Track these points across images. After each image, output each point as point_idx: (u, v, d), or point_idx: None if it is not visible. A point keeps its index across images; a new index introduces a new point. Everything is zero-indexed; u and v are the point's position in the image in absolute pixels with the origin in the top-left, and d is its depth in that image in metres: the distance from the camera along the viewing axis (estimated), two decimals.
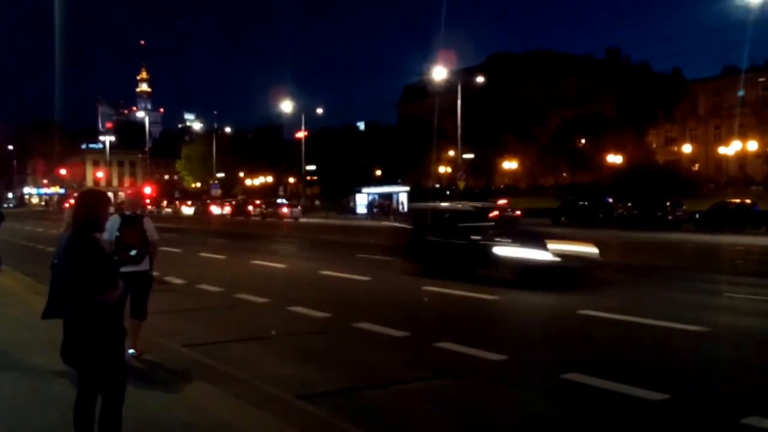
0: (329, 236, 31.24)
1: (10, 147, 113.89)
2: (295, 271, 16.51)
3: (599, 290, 13.33)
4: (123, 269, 6.47)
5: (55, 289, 3.97)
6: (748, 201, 35.62)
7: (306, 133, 69.46)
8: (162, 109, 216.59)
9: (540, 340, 8.44)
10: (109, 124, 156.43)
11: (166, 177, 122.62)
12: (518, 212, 39.56)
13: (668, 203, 37.03)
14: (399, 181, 67.95)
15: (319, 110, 73.46)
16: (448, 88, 55.03)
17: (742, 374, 6.93)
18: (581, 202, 41.38)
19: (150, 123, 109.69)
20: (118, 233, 6.83)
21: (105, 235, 6.40)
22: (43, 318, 4.04)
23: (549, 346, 8.13)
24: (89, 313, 3.75)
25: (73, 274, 3.74)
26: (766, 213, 32.99)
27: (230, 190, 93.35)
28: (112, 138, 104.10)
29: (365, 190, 63.29)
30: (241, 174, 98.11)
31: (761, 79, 65.13)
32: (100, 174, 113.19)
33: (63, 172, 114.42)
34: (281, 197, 68.97)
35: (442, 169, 74.76)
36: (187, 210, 74.10)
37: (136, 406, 4.81)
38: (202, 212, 68.75)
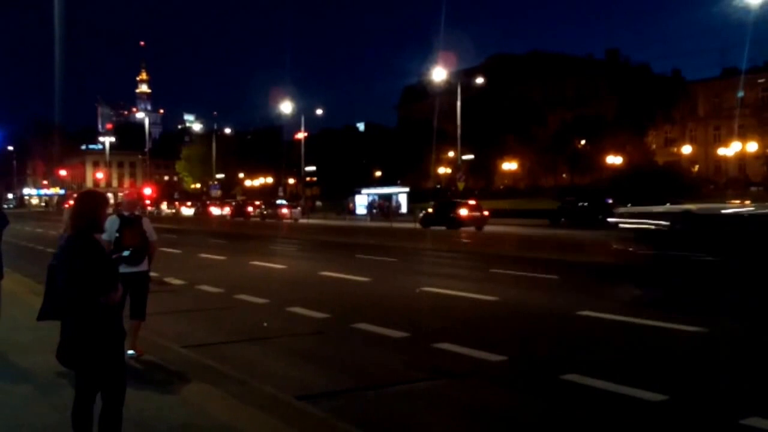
0: (329, 237, 31.25)
1: (10, 148, 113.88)
2: (294, 272, 16.51)
3: (598, 291, 13.34)
4: (122, 270, 6.49)
5: (51, 290, 3.95)
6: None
7: (306, 134, 69.49)
8: (161, 110, 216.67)
9: (539, 341, 8.44)
10: (109, 125, 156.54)
11: (166, 178, 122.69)
12: (486, 212, 39.78)
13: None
14: (399, 182, 67.97)
15: (319, 111, 73.52)
16: (448, 89, 55.07)
17: (741, 375, 6.93)
18: (581, 203, 41.34)
19: (150, 124, 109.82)
20: (117, 234, 6.84)
21: (104, 236, 6.41)
22: (38, 320, 4.03)
23: (548, 346, 8.13)
24: (90, 315, 3.75)
25: (74, 275, 3.74)
26: None
27: (230, 191, 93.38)
28: (112, 139, 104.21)
29: (365, 191, 63.28)
30: (241, 175, 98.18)
31: (761, 81, 65.21)
32: (99, 175, 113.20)
33: (63, 173, 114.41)
34: (281, 198, 68.94)
35: (442, 170, 74.78)
36: (187, 211, 74.06)
37: (135, 406, 4.82)
38: (201, 213, 68.71)
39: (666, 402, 5.75)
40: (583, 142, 67.86)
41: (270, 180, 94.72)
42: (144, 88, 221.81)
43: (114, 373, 3.87)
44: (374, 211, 56.93)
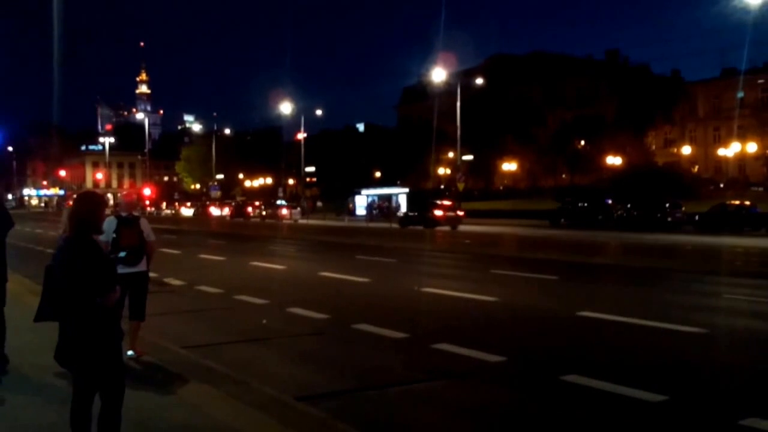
0: (328, 238, 31.26)
1: (10, 148, 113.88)
2: (294, 273, 16.51)
3: (598, 292, 13.35)
4: (121, 270, 6.48)
5: (49, 291, 3.95)
6: (747, 203, 35.65)
7: (305, 134, 69.52)
8: (161, 111, 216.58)
9: (539, 342, 8.44)
10: (108, 126, 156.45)
11: (166, 178, 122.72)
12: (461, 212, 40.36)
13: (668, 205, 37.04)
14: (398, 182, 67.98)
15: (319, 112, 73.78)
16: (448, 89, 55.08)
17: (740, 376, 6.93)
18: (581, 204, 41.40)
19: (149, 124, 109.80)
20: (114, 235, 6.84)
21: (102, 237, 6.41)
22: (35, 321, 4.03)
23: (548, 347, 8.13)
24: (88, 316, 3.75)
25: (72, 276, 3.74)
26: (766, 215, 33.01)
27: (230, 191, 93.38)
28: (112, 139, 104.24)
29: (364, 191, 63.27)
30: (241, 175, 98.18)
31: (760, 81, 65.22)
32: (99, 175, 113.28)
33: (62, 173, 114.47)
34: (281, 199, 68.95)
35: (442, 171, 74.78)
36: (187, 211, 74.12)
37: (135, 407, 4.81)
38: (201, 214, 68.76)
39: (665, 402, 5.75)
40: (582, 142, 67.86)
41: (270, 180, 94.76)
42: (144, 88, 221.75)
43: (112, 373, 3.87)
44: (374, 211, 56.91)
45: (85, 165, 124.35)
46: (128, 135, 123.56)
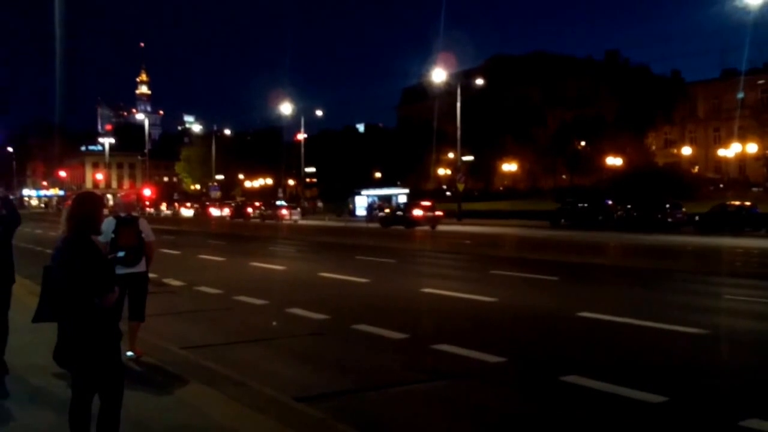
0: (328, 238, 31.25)
1: (10, 149, 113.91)
2: (293, 273, 16.50)
3: (598, 292, 13.34)
4: (121, 271, 6.48)
5: (47, 291, 3.94)
6: (747, 203, 35.64)
7: (305, 135, 69.53)
8: (161, 112, 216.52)
9: (539, 343, 8.43)
10: (108, 126, 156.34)
11: (166, 179, 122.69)
12: (440, 213, 41.29)
13: (668, 205, 37.05)
14: (398, 183, 67.98)
15: (319, 112, 73.65)
16: (448, 90, 55.13)
17: (741, 376, 6.92)
18: (581, 205, 41.38)
19: (149, 125, 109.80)
20: (113, 235, 6.83)
21: (100, 238, 6.40)
22: (33, 322, 4.01)
23: (548, 348, 8.12)
24: (87, 316, 3.75)
25: (71, 277, 3.74)
26: (766, 215, 33.02)
27: (230, 192, 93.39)
28: (112, 140, 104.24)
29: (364, 192, 63.25)
30: (241, 176, 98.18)
31: (760, 82, 65.22)
32: (99, 176, 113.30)
33: (62, 174, 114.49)
34: (280, 199, 68.96)
35: (442, 171, 74.81)
36: (187, 212, 74.16)
37: (134, 408, 4.81)
38: (201, 214, 68.81)
39: (666, 403, 5.74)
40: (582, 143, 67.86)
41: (270, 181, 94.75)
42: (144, 89, 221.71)
43: (111, 374, 3.87)
44: (374, 212, 56.93)
45: (85, 165, 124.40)
46: (128, 135, 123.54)
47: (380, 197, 62.18)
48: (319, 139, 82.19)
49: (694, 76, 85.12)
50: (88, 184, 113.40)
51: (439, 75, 51.29)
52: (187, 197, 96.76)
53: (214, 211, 66.81)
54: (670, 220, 35.78)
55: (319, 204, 74.01)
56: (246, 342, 8.43)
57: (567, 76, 73.09)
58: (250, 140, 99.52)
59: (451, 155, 64.06)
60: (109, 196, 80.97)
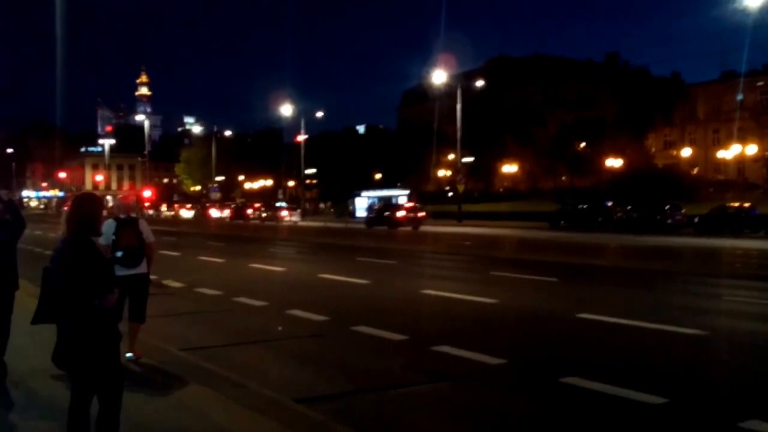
0: (328, 239, 31.25)
1: (10, 150, 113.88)
2: (293, 275, 16.50)
3: (598, 294, 13.34)
4: (122, 272, 6.48)
5: (47, 293, 3.93)
6: (747, 205, 35.66)
7: (306, 136, 69.51)
8: (161, 114, 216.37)
9: (539, 344, 8.43)
10: (108, 128, 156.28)
11: (166, 180, 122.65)
12: (422, 214, 42.74)
13: (667, 207, 37.08)
14: (399, 184, 67.97)
15: (319, 114, 73.56)
16: (448, 91, 55.15)
17: (741, 378, 6.92)
18: (581, 206, 41.43)
19: (150, 126, 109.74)
20: (114, 237, 6.83)
21: (101, 240, 6.39)
22: (32, 323, 4.00)
23: (548, 349, 8.11)
24: (86, 318, 3.74)
25: (71, 278, 3.73)
26: (765, 217, 33.03)
27: (230, 193, 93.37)
28: (112, 141, 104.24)
29: (365, 193, 63.28)
30: (241, 177, 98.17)
31: (760, 84, 65.24)
32: (99, 177, 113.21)
33: (62, 175, 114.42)
34: (281, 201, 68.94)
35: (442, 173, 74.81)
36: (186, 213, 74.12)
37: (133, 410, 4.80)
38: (201, 216, 68.78)
39: (666, 405, 5.74)
40: (582, 144, 67.89)
41: (270, 182, 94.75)
42: (144, 90, 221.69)
43: (110, 375, 3.86)
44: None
45: (84, 167, 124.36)
46: (128, 137, 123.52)
47: (380, 198, 62.20)
48: (320, 140, 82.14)
49: (693, 78, 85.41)
50: (88, 186, 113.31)
51: (439, 76, 51.32)
52: (187, 198, 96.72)
53: (214, 213, 66.79)
54: (669, 221, 35.80)
55: (321, 205, 73.98)
56: (246, 343, 8.42)
57: (567, 78, 73.13)
58: (251, 141, 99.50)
59: (451, 156, 64.06)
60: (108, 197, 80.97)
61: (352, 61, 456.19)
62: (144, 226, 7.15)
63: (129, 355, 6.77)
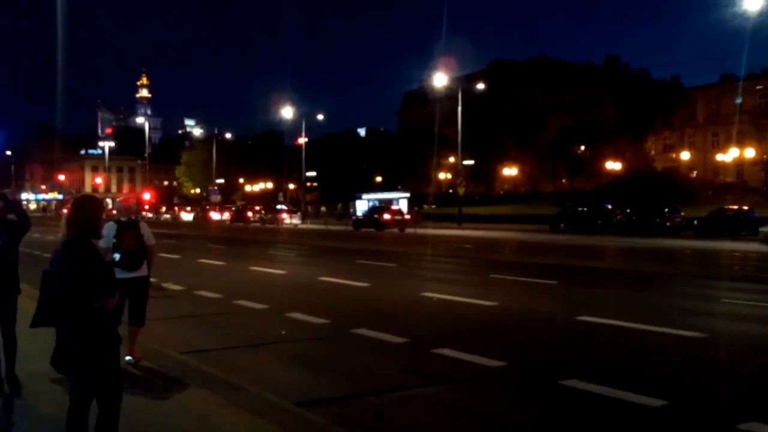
0: (328, 242, 31.26)
1: (9, 152, 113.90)
2: (294, 278, 16.50)
3: (598, 296, 13.35)
4: (122, 275, 6.47)
5: (46, 296, 3.93)
6: (745, 207, 35.67)
7: (306, 139, 69.56)
8: (161, 115, 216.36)
9: (539, 346, 8.43)
10: (108, 130, 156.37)
11: (166, 183, 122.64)
12: (408, 216, 44.20)
13: (666, 210, 37.10)
14: (399, 187, 68.04)
15: (320, 116, 73.56)
16: (449, 94, 55.18)
17: (739, 380, 6.93)
18: (580, 209, 41.46)
19: (150, 129, 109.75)
20: (115, 240, 6.83)
21: (101, 243, 6.39)
22: (32, 326, 3.99)
23: (548, 352, 8.12)
24: (86, 321, 3.72)
25: (71, 280, 3.72)
26: (764, 219, 33.04)
27: (230, 196, 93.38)
28: (112, 144, 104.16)
29: (365, 196, 63.29)
30: (241, 180, 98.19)
31: (759, 87, 65.40)
32: (98, 180, 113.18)
33: (61, 177, 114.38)
34: (281, 203, 68.95)
35: (442, 175, 74.87)
36: (187, 216, 74.05)
37: (133, 413, 4.80)
38: (201, 218, 68.73)
39: (665, 407, 5.75)
40: (582, 147, 68.00)
41: (270, 185, 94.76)
42: (144, 92, 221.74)
43: (110, 379, 3.84)
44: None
45: (84, 169, 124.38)
46: (128, 139, 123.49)
47: (381, 201, 62.23)
48: (321, 143, 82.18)
49: (693, 82, 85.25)
50: (88, 188, 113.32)
51: (440, 79, 51.34)
52: (187, 201, 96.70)
53: (214, 215, 66.75)
54: (668, 224, 35.83)
55: (323, 208, 73.96)
56: (246, 347, 8.42)
57: (567, 82, 73.30)
58: (251, 144, 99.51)
59: (452, 159, 64.12)
60: (108, 200, 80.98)
61: (353, 63, 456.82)
62: (145, 229, 7.16)
63: (128, 358, 6.76)
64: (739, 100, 64.41)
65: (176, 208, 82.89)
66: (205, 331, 9.49)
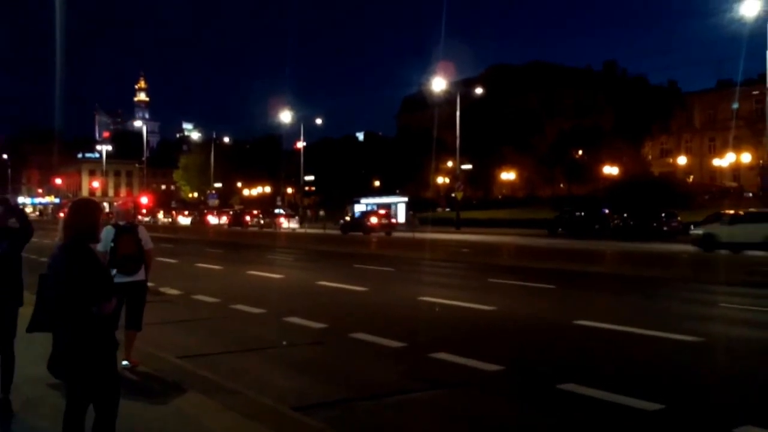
0: (326, 247, 31.23)
1: (5, 156, 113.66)
2: (291, 282, 16.48)
3: (595, 301, 13.35)
4: (120, 279, 6.46)
5: (42, 300, 3.90)
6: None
7: (305, 143, 69.58)
8: (159, 119, 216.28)
9: (536, 351, 8.43)
10: (106, 134, 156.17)
11: (163, 187, 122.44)
12: (394, 220, 46.12)
13: (663, 214, 37.13)
14: (397, 191, 68.01)
15: (319, 120, 73.68)
16: (448, 99, 55.27)
17: (735, 384, 6.94)
18: (578, 213, 41.50)
19: (147, 132, 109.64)
20: (113, 244, 6.82)
21: (99, 246, 6.38)
22: (28, 331, 3.96)
23: (545, 356, 8.12)
24: (83, 325, 3.71)
25: (68, 284, 3.71)
26: None
27: (228, 200, 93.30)
28: (109, 147, 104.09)
29: (363, 200, 63.25)
30: (239, 184, 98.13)
31: (755, 92, 65.37)
32: (96, 183, 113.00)
33: (58, 181, 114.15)
34: (279, 207, 68.87)
35: (441, 180, 74.90)
36: (184, 220, 73.95)
37: (129, 418, 4.78)
38: (198, 222, 68.62)
39: (662, 411, 5.75)
40: (580, 152, 68.10)
41: (268, 189, 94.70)
42: (142, 96, 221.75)
43: (107, 384, 3.83)
44: None
45: (81, 173, 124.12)
46: (126, 143, 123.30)
47: (379, 206, 62.19)
48: (319, 147, 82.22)
49: (690, 87, 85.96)
50: (85, 192, 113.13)
51: (438, 84, 51.39)
52: (184, 205, 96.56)
53: (212, 219, 66.65)
54: (665, 228, 35.86)
55: (321, 212, 73.91)
56: (243, 351, 8.41)
57: (565, 86, 73.43)
58: (249, 148, 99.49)
59: (450, 164, 64.19)
60: (105, 204, 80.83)
61: (352, 67, 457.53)
62: (143, 233, 7.14)
63: (125, 363, 6.75)
64: (735, 105, 64.59)
65: (174, 212, 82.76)
66: (203, 336, 9.47)
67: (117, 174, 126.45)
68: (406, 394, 6.43)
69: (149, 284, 7.48)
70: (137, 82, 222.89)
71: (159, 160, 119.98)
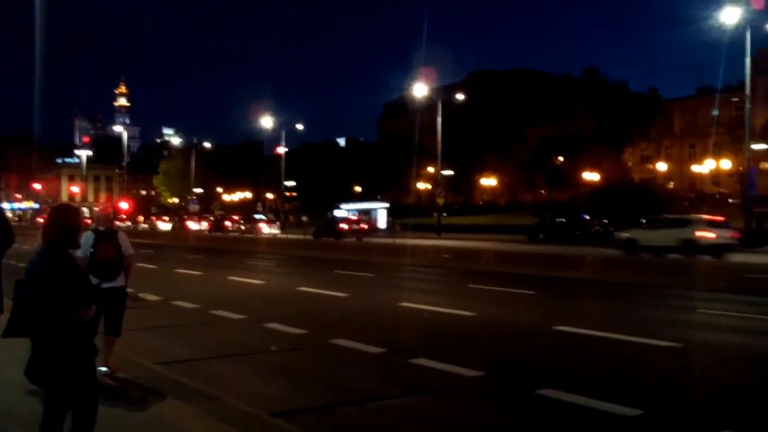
0: (307, 252, 31.17)
1: None
2: (272, 288, 16.43)
3: (575, 306, 13.45)
4: (98, 285, 6.40)
5: (20, 306, 3.86)
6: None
7: (286, 148, 69.43)
8: (140, 124, 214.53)
9: (516, 356, 8.48)
10: (86, 139, 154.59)
11: (144, 192, 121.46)
12: (365, 226, 47.10)
13: (643, 220, 37.48)
14: (378, 197, 68.10)
15: (300, 126, 73.43)
16: (429, 105, 55.45)
17: (714, 389, 7.02)
18: (559, 219, 41.76)
19: (128, 137, 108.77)
20: (92, 249, 6.77)
21: (79, 252, 6.32)
22: (4, 336, 3.92)
23: (525, 362, 8.17)
24: (62, 331, 3.68)
25: (47, 289, 3.68)
26: (738, 230, 33.41)
27: (208, 205, 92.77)
28: (89, 152, 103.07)
29: (344, 206, 63.24)
30: (220, 189, 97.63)
31: (735, 99, 66.29)
32: (75, 189, 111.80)
33: (37, 186, 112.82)
34: (260, 213, 68.62)
35: (422, 186, 75.11)
36: (164, 225, 73.39)
37: (108, 424, 4.73)
38: (179, 228, 68.13)
39: (641, 416, 5.80)
40: (561, 158, 68.62)
41: (249, 195, 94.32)
42: (123, 101, 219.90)
43: (85, 390, 3.80)
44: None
45: (60, 178, 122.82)
46: (106, 148, 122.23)
47: (360, 211, 62.18)
48: (300, 152, 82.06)
49: (670, 94, 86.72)
50: (64, 197, 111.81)
51: (420, 90, 51.54)
52: (165, 210, 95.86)
53: (192, 225, 66.23)
54: None
55: (304, 218, 73.69)
56: (223, 357, 8.37)
57: (547, 93, 74.07)
58: (230, 153, 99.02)
59: (431, 169, 64.35)
60: (85, 209, 79.97)
61: (333, 73, 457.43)
62: (123, 239, 7.10)
63: (104, 369, 6.68)
64: (715, 112, 65.37)
65: (153, 218, 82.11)
66: (182, 342, 9.41)
67: (97, 179, 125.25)
68: (387, 400, 6.44)
69: (129, 290, 7.43)
70: (118, 87, 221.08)
71: (139, 166, 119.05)
